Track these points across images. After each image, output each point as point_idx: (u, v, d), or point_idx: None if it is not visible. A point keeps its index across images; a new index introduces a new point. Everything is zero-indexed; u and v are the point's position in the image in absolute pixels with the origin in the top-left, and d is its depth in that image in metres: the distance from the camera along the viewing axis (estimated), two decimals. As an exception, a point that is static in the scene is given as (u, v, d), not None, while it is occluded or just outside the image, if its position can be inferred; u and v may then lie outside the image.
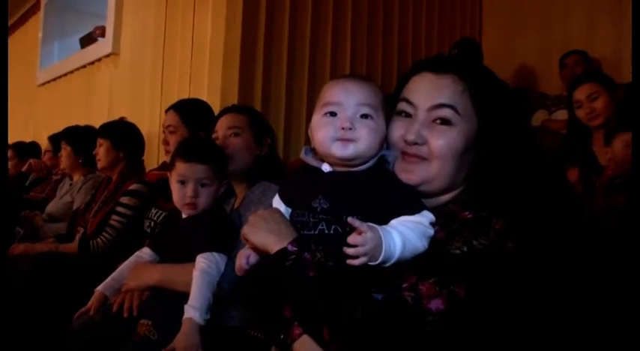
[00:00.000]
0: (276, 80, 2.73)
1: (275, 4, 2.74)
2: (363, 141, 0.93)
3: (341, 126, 0.93)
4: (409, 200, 0.92)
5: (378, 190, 0.93)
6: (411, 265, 0.87)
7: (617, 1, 3.31)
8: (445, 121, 0.94)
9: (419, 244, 0.86)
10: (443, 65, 0.98)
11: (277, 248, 0.90)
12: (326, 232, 0.91)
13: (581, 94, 2.33)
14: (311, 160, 0.99)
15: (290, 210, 1.00)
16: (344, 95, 0.96)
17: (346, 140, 0.93)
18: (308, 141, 3.06)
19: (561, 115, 3.12)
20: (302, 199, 0.96)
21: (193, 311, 1.31)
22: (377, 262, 0.82)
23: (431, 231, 0.89)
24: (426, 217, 0.90)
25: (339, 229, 0.90)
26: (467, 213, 0.91)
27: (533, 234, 0.92)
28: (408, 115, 0.98)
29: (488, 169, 0.96)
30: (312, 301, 0.86)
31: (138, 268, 1.56)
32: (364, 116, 0.95)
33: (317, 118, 0.98)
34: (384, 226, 0.86)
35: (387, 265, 0.84)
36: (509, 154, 0.97)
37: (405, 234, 0.85)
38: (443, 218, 0.92)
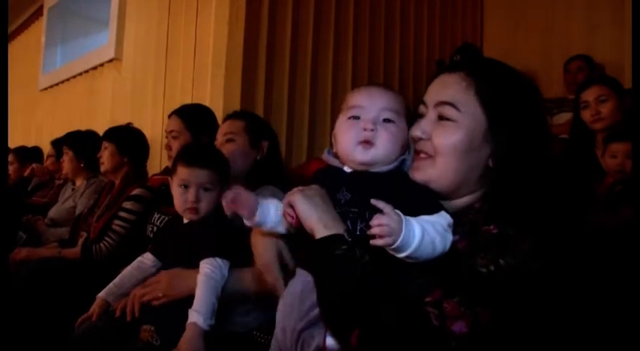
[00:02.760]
0: (278, 85, 2.73)
1: (277, 9, 2.74)
2: (382, 146, 0.96)
3: (363, 127, 0.96)
4: (427, 201, 0.92)
5: (397, 190, 0.93)
6: (435, 277, 0.85)
7: (618, 6, 3.32)
8: (446, 118, 0.94)
9: (437, 241, 0.85)
10: (456, 64, 1.00)
11: (328, 232, 0.88)
12: (350, 229, 0.90)
13: (589, 95, 2.31)
14: (333, 161, 1.02)
15: None
16: (367, 99, 0.99)
17: (367, 143, 0.95)
18: (310, 145, 3.07)
19: (563, 118, 3.12)
20: (328, 193, 0.96)
21: (197, 316, 1.30)
22: (394, 246, 0.81)
23: (450, 235, 0.87)
24: (444, 218, 0.89)
25: (365, 231, 0.88)
26: (492, 227, 0.88)
27: (562, 254, 0.88)
28: (423, 115, 1.00)
29: (507, 173, 0.93)
30: (350, 301, 0.82)
31: (173, 277, 1.48)
32: (387, 120, 0.98)
33: (340, 122, 1.01)
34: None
35: (404, 254, 0.82)
36: (528, 155, 0.93)
37: (424, 226, 0.84)
38: (463, 226, 0.90)
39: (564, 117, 3.09)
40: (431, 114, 0.97)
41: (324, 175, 1.02)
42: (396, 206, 0.85)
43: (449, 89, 0.96)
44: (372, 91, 1.01)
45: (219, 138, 1.77)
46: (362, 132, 0.95)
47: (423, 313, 0.81)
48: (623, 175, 2.05)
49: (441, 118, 0.95)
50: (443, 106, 0.95)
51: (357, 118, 0.98)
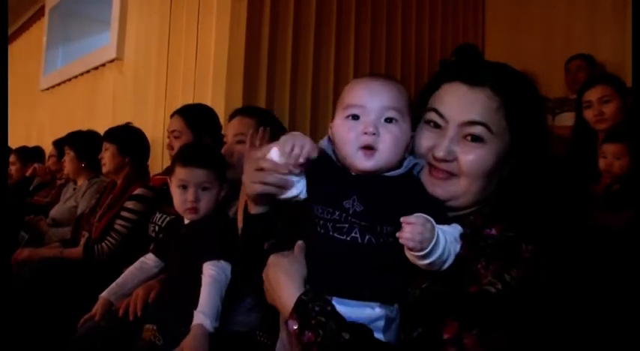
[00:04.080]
0: (280, 85, 2.73)
1: (279, 9, 2.74)
2: (385, 151, 0.88)
3: (364, 131, 0.88)
4: (440, 210, 0.89)
5: (411, 198, 0.89)
6: (445, 303, 0.84)
7: (620, 5, 3.31)
8: (476, 138, 0.89)
9: (452, 251, 0.83)
10: (477, 77, 0.92)
11: (285, 318, 0.86)
12: (359, 241, 0.86)
13: (593, 95, 2.30)
14: (333, 157, 0.94)
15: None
16: (368, 97, 0.90)
17: (369, 149, 0.88)
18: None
19: (565, 117, 3.12)
20: (332, 196, 0.89)
21: (204, 318, 1.30)
22: (423, 253, 0.79)
23: (459, 245, 0.85)
24: (456, 230, 0.86)
25: (373, 241, 0.85)
26: (492, 230, 0.87)
27: (565, 257, 0.89)
28: (437, 126, 0.93)
29: (516, 184, 0.91)
30: None
31: None
32: (389, 120, 0.90)
33: (339, 121, 0.93)
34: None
35: (426, 262, 0.80)
36: (540, 169, 0.92)
37: (446, 237, 0.82)
38: (465, 229, 0.89)
39: (566, 117, 3.08)
40: (454, 131, 0.91)
41: (328, 172, 0.93)
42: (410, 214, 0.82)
43: (478, 108, 0.90)
44: (373, 86, 0.92)
45: (230, 137, 1.73)
46: (362, 136, 0.88)
47: None
48: (611, 174, 2.05)
49: (469, 137, 0.90)
50: (474, 126, 0.89)
51: (356, 117, 0.90)
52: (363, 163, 0.89)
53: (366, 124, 0.89)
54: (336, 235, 0.87)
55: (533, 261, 0.83)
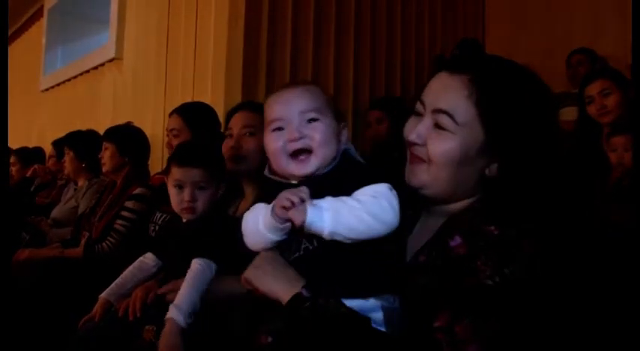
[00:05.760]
0: (278, 82, 2.72)
1: (277, 6, 2.73)
2: (319, 148, 0.92)
3: (289, 139, 0.92)
4: (368, 177, 0.91)
5: (348, 183, 0.91)
6: (440, 296, 0.83)
7: (621, -1, 3.30)
8: (442, 127, 0.90)
9: (358, 207, 0.84)
10: (460, 64, 0.93)
11: (290, 295, 0.86)
12: (310, 248, 0.88)
13: (593, 89, 2.31)
14: (274, 177, 0.97)
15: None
16: (285, 108, 0.95)
17: (302, 154, 0.92)
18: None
19: (567, 112, 3.10)
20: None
21: (177, 313, 1.28)
22: (305, 224, 0.83)
23: (382, 199, 0.86)
24: (370, 187, 0.88)
25: (322, 240, 0.87)
26: (492, 227, 0.85)
27: (566, 255, 0.87)
28: (419, 113, 0.96)
29: (507, 180, 0.90)
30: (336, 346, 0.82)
31: None
32: (310, 120, 0.94)
33: (267, 137, 0.97)
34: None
35: (326, 233, 0.83)
36: (533, 164, 0.89)
37: (337, 202, 0.84)
38: (462, 225, 0.88)
39: (568, 111, 3.06)
40: (428, 118, 0.92)
41: (269, 196, 0.94)
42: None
43: (449, 95, 0.90)
44: (287, 96, 0.96)
45: (236, 129, 1.69)
46: (289, 144, 0.92)
47: (430, 341, 0.79)
48: (622, 167, 2.04)
49: (438, 125, 0.90)
50: (440, 114, 0.90)
51: (280, 129, 0.94)
52: (299, 170, 0.93)
53: (289, 131, 0.93)
54: (291, 259, 0.90)
55: (534, 256, 0.82)
